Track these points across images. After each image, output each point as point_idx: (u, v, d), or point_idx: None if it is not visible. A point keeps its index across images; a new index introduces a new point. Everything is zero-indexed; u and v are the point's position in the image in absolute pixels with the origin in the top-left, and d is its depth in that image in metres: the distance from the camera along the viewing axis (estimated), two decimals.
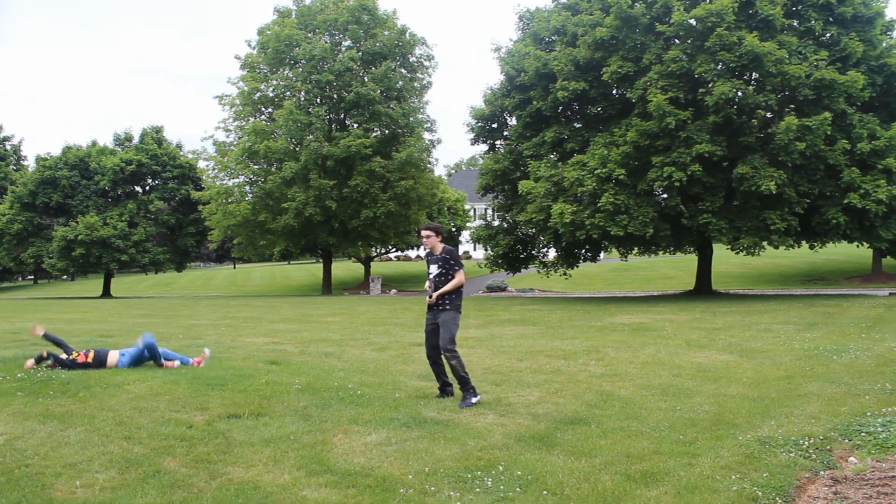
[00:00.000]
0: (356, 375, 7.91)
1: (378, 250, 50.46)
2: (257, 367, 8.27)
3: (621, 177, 19.99)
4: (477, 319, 15.71)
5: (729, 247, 21.20)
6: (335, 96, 35.88)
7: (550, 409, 6.25)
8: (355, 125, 36.04)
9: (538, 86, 22.91)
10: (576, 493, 4.15)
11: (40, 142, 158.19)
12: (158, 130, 46.97)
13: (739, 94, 19.74)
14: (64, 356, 7.86)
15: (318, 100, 36.35)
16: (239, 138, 36.50)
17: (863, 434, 5.33)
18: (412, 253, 65.96)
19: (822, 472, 4.58)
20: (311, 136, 34.65)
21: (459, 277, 6.57)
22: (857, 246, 24.12)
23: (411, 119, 36.71)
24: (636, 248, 24.66)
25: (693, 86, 20.53)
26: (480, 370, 8.33)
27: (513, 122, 25.77)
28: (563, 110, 23.84)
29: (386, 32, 36.33)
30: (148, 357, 8.12)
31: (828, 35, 21.12)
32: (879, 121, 20.40)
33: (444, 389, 6.71)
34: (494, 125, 26.47)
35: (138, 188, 46.00)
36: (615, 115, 22.37)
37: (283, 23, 35.99)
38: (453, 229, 56.10)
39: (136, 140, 46.74)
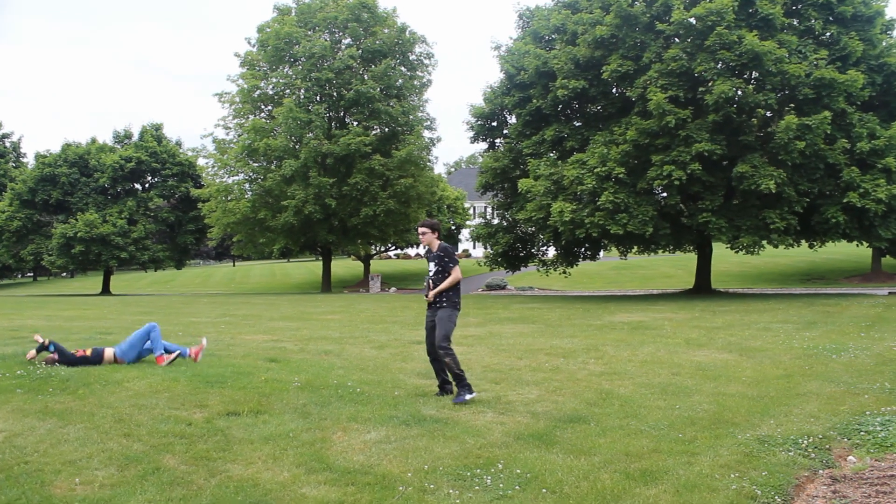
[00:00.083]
0: (355, 373, 7.91)
1: (377, 248, 50.43)
2: (257, 365, 8.27)
3: (621, 175, 20.00)
4: (476, 317, 15.71)
5: (728, 246, 21.20)
6: (335, 94, 35.85)
7: (549, 407, 6.25)
8: (355, 123, 36.06)
9: (538, 84, 22.91)
10: (575, 491, 4.15)
11: (40, 139, 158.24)
12: (158, 128, 47.01)
13: (739, 92, 19.74)
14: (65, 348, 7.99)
15: (318, 97, 36.33)
16: (239, 136, 36.50)
17: (862, 433, 5.33)
18: (412, 251, 65.98)
19: (821, 471, 4.59)
20: (310, 134, 34.61)
21: (455, 274, 6.60)
22: (857, 245, 24.11)
23: (411, 117, 36.70)
24: (636, 247, 24.65)
25: (693, 84, 20.54)
26: (480, 368, 8.33)
27: (513, 120, 25.76)
28: (562, 109, 23.84)
29: (386, 30, 36.32)
30: (148, 348, 8.13)
31: (828, 34, 21.12)
32: (879, 120, 20.43)
33: (444, 387, 6.72)
34: (494, 123, 26.47)
35: (138, 185, 46.02)
36: (615, 113, 22.38)
37: (283, 20, 35.98)
38: (453, 227, 56.09)
39: (135, 137, 46.79)
